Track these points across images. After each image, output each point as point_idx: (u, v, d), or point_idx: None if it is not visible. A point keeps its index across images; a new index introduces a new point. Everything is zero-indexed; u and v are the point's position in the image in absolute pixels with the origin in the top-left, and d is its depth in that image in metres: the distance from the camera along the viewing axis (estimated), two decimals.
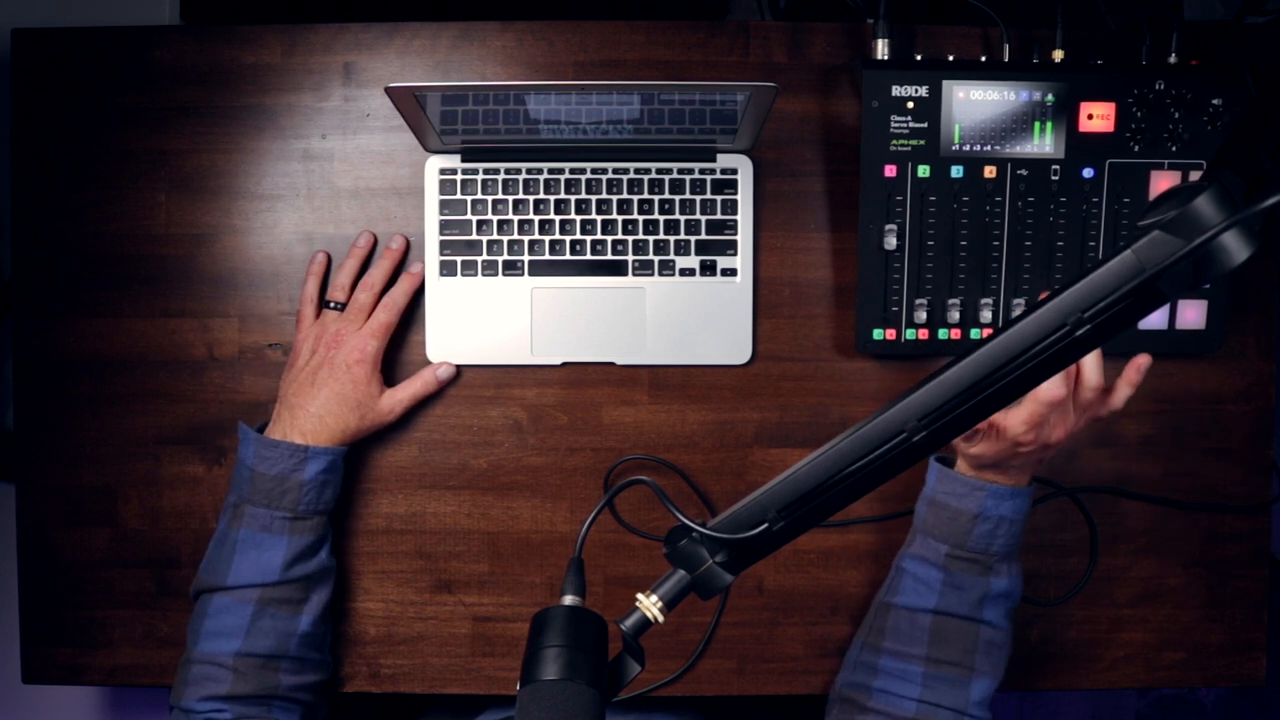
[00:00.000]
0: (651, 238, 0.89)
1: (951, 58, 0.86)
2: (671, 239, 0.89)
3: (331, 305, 0.88)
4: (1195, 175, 0.87)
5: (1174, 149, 0.86)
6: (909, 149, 0.85)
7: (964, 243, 0.87)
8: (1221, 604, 0.93)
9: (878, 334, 0.88)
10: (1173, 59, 0.86)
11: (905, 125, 0.85)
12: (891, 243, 0.86)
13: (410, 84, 0.73)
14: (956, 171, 0.86)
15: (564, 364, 0.91)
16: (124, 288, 0.91)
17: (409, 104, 0.77)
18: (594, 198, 0.89)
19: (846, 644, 0.87)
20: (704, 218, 0.89)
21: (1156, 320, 0.88)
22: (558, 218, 0.89)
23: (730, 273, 0.90)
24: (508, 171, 0.89)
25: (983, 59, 0.87)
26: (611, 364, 0.91)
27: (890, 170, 0.86)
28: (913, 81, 0.84)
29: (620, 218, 0.89)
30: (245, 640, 0.80)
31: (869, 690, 0.80)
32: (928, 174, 0.86)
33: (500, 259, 0.89)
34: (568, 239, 0.89)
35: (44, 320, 0.91)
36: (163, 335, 0.91)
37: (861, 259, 0.87)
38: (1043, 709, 1.79)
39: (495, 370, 0.91)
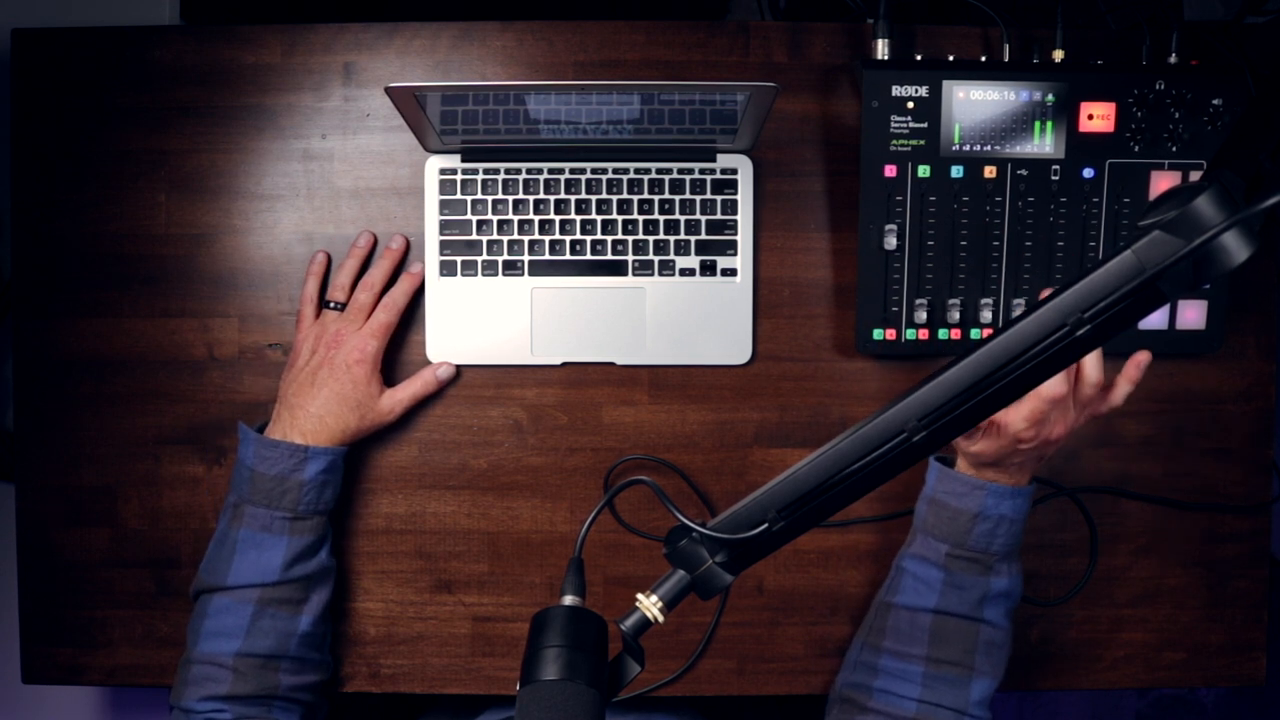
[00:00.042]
0: (651, 238, 0.89)
1: (951, 58, 0.86)
2: (671, 239, 0.89)
3: (331, 305, 0.88)
4: (1195, 175, 0.87)
5: (1174, 149, 0.86)
6: (909, 149, 0.85)
7: (964, 243, 0.87)
8: (1221, 604, 0.93)
9: (878, 334, 0.88)
10: (1173, 59, 0.86)
11: (905, 125, 0.85)
12: (891, 243, 0.86)
13: (410, 84, 0.73)
14: (956, 171, 0.86)
15: (564, 364, 0.91)
16: (124, 288, 0.91)
17: (409, 104, 0.77)
18: (594, 198, 0.89)
19: (846, 644, 0.87)
20: (704, 218, 0.89)
21: (1156, 320, 0.88)
22: (558, 218, 0.89)
23: (730, 273, 0.90)
24: (508, 171, 0.89)
25: (983, 59, 0.87)
26: (611, 364, 0.91)
27: (890, 170, 0.86)
28: (913, 81, 0.84)
29: (620, 218, 0.89)
30: (245, 640, 0.80)
31: (869, 690, 0.80)
32: (928, 174, 0.86)
33: (500, 259, 0.89)
34: (568, 239, 0.89)
35: (44, 320, 0.91)
36: (163, 335, 0.91)
37: (861, 259, 0.87)
38: (1043, 709, 1.79)
39: (495, 370, 0.91)
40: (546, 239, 0.89)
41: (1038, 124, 0.85)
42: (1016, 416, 0.72)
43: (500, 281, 0.89)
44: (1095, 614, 0.93)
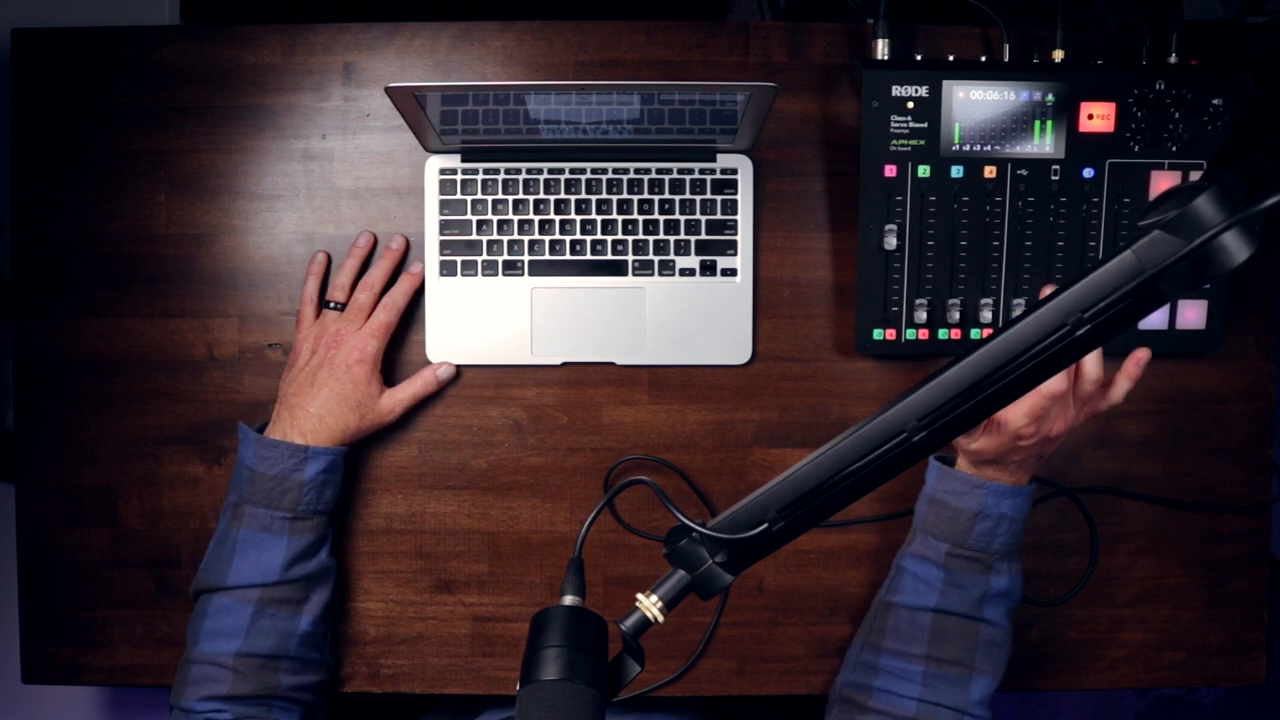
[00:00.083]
0: (651, 238, 0.89)
1: (951, 58, 0.86)
2: (671, 239, 0.89)
3: (331, 305, 0.88)
4: (1195, 175, 0.87)
5: (1174, 149, 0.86)
6: (909, 149, 0.85)
7: (964, 243, 0.87)
8: (1221, 604, 0.93)
9: (878, 334, 0.88)
10: (1173, 59, 0.86)
11: (905, 125, 0.85)
12: (891, 243, 0.86)
13: (410, 84, 0.73)
14: (956, 171, 0.86)
15: (564, 364, 0.91)
16: (124, 288, 0.91)
17: (409, 104, 0.77)
18: (594, 198, 0.89)
19: (846, 644, 0.87)
20: (704, 218, 0.89)
21: (1156, 320, 0.88)
22: (558, 218, 0.89)
23: (730, 273, 0.90)
24: (508, 171, 0.89)
25: (983, 59, 0.87)
26: (611, 364, 0.91)
27: (890, 170, 0.86)
28: (913, 81, 0.84)
29: (620, 218, 0.89)
30: (245, 640, 0.80)
31: (869, 690, 0.80)
32: (928, 174, 0.86)
33: (500, 259, 0.89)
34: (568, 239, 0.89)
35: (44, 320, 0.91)
36: (163, 335, 0.91)
37: (861, 259, 0.87)
38: (1043, 709, 1.79)
39: (495, 370, 0.91)
40: (546, 239, 0.89)
41: (1038, 124, 0.85)
42: (1017, 413, 0.73)
43: (500, 281, 0.89)
44: (1095, 614, 0.93)
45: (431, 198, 0.89)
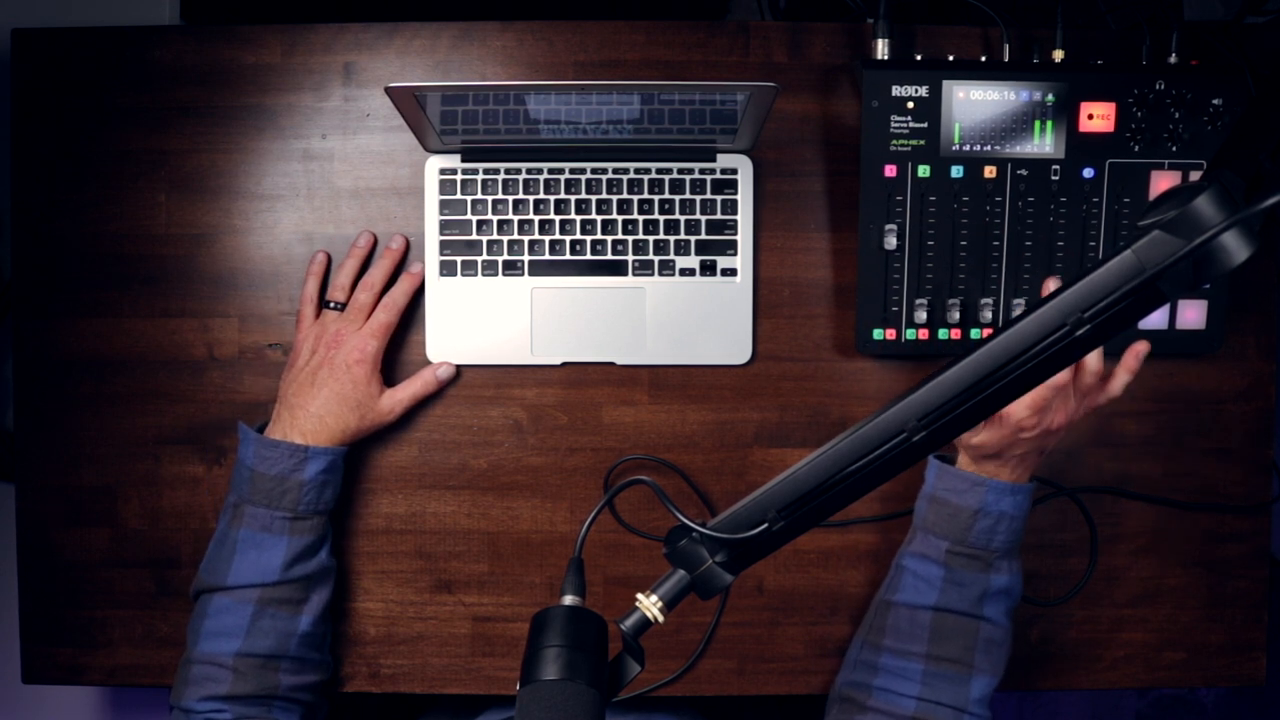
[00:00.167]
0: (651, 238, 0.89)
1: (951, 58, 0.86)
2: (671, 239, 0.89)
3: (331, 305, 0.88)
4: (1195, 175, 0.87)
5: (1174, 149, 0.86)
6: (909, 149, 0.85)
7: (964, 243, 0.87)
8: (1221, 604, 0.93)
9: (878, 334, 0.88)
10: (1173, 59, 0.86)
11: (905, 125, 0.85)
12: (891, 243, 0.86)
13: (410, 84, 0.73)
14: (956, 171, 0.86)
15: (564, 364, 0.91)
16: (124, 288, 0.91)
17: (409, 104, 0.77)
18: (594, 198, 0.89)
19: (846, 644, 0.87)
20: (704, 218, 0.89)
21: (1156, 320, 0.88)
22: (558, 218, 0.89)
23: (730, 273, 0.90)
24: (508, 171, 0.89)
25: (983, 59, 0.87)
26: (611, 364, 0.91)
27: (890, 170, 0.86)
28: (913, 81, 0.84)
29: (620, 218, 0.89)
30: (245, 640, 0.80)
31: (869, 689, 0.80)
32: (928, 174, 0.86)
33: (500, 259, 0.89)
34: (568, 239, 0.89)
35: (44, 320, 0.91)
36: (163, 335, 0.91)
37: (861, 259, 0.87)
38: (1043, 709, 1.79)
39: (495, 370, 0.91)
40: (546, 239, 0.89)
41: (1038, 124, 0.85)
42: (1019, 405, 0.73)
43: (500, 281, 0.89)
44: (1095, 614, 0.93)
45: (431, 198, 0.89)
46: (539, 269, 0.89)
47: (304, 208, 0.91)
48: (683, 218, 0.89)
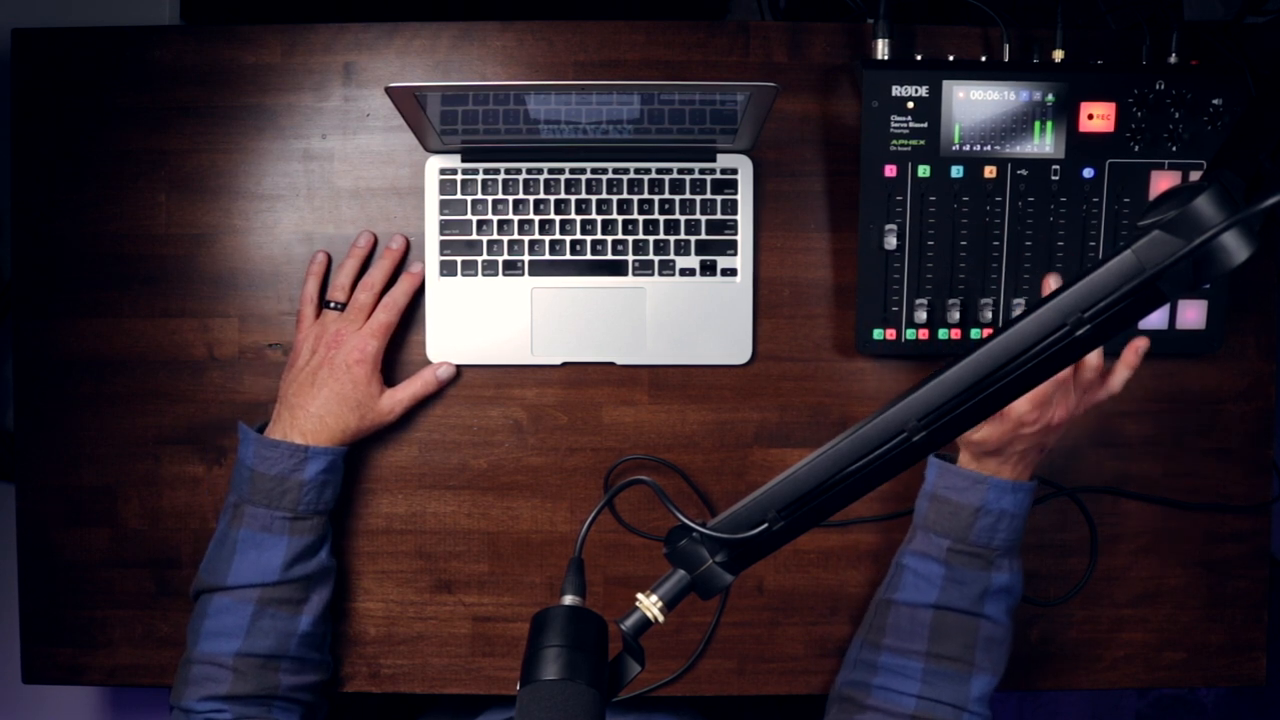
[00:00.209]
0: (651, 238, 0.89)
1: (951, 58, 0.86)
2: (671, 239, 0.89)
3: (331, 305, 0.88)
4: (1195, 175, 0.87)
5: (1174, 149, 0.86)
6: (909, 149, 0.85)
7: (964, 243, 0.87)
8: (1221, 604, 0.93)
9: (878, 334, 0.88)
10: (1173, 59, 0.86)
11: (905, 125, 0.85)
12: (891, 243, 0.86)
13: (410, 84, 0.73)
14: (956, 171, 0.86)
15: (564, 364, 0.91)
16: (124, 288, 0.91)
17: (409, 104, 0.77)
18: (594, 198, 0.89)
19: (846, 644, 0.87)
20: (704, 218, 0.89)
21: (1156, 320, 0.88)
22: (558, 218, 0.89)
23: (730, 273, 0.90)
24: (508, 171, 0.89)
25: (983, 59, 0.87)
26: (611, 364, 0.91)
27: (890, 170, 0.86)
28: (913, 81, 0.84)
29: (620, 218, 0.89)
30: (245, 640, 0.80)
31: (868, 688, 0.80)
32: (928, 174, 0.86)
33: (500, 259, 0.89)
34: (568, 239, 0.89)
35: (44, 320, 0.91)
36: (163, 335, 0.91)
37: (861, 259, 0.87)
38: (1043, 709, 1.79)
39: (495, 370, 0.91)
40: (546, 239, 0.89)
41: (1038, 124, 0.85)
42: (1020, 399, 0.73)
43: (500, 281, 0.89)
44: (1095, 614, 0.93)
45: (431, 198, 0.89)
46: (539, 269, 0.89)
47: (304, 208, 0.91)
48: (683, 218, 0.89)
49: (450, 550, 0.92)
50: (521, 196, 0.89)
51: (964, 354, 0.55)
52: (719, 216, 0.89)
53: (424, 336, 0.90)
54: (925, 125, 0.85)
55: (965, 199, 0.86)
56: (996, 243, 0.87)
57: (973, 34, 0.91)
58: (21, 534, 0.92)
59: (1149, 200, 0.86)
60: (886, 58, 0.87)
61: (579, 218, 0.89)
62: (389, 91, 0.73)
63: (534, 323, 0.90)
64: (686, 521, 0.56)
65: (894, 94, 0.85)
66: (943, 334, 0.88)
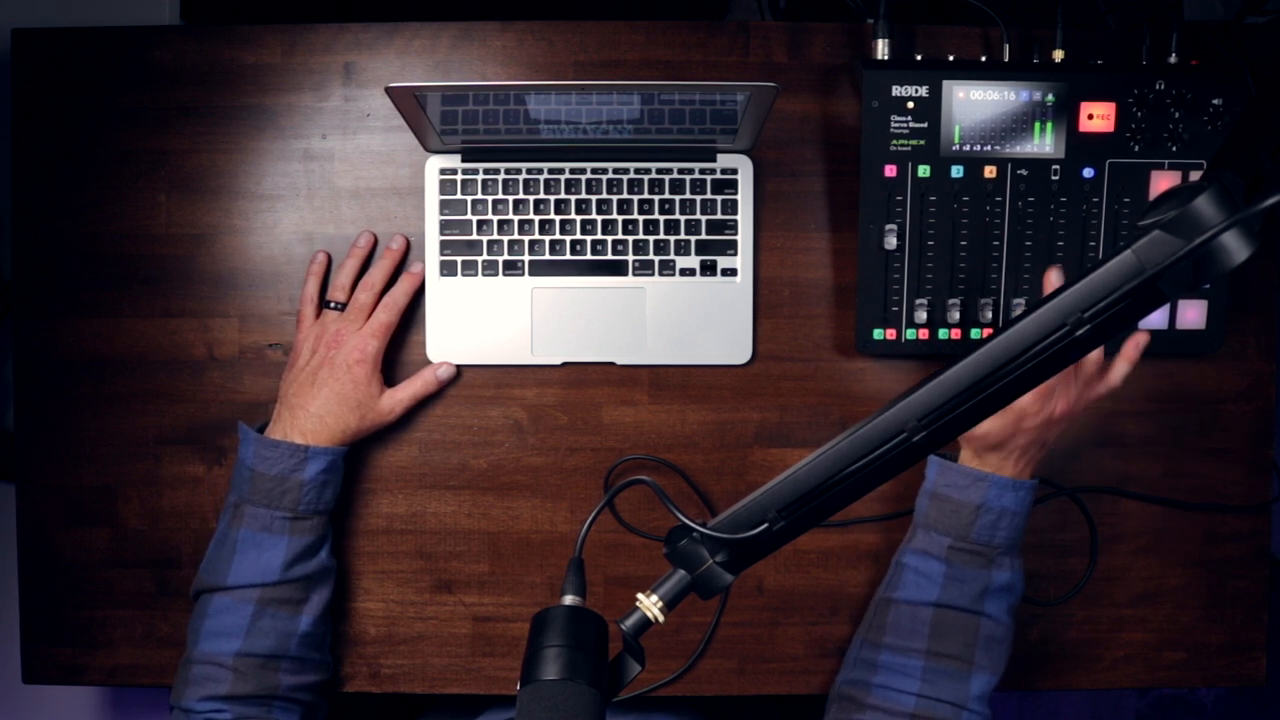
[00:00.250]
0: (651, 238, 0.89)
1: (951, 58, 0.86)
2: (671, 239, 0.89)
3: (332, 305, 0.88)
4: (1195, 175, 0.87)
5: (1174, 149, 0.86)
6: (909, 149, 0.85)
7: (964, 243, 0.87)
8: (1221, 604, 0.93)
9: (878, 334, 0.88)
10: (1173, 59, 0.86)
11: (905, 125, 0.85)
12: (891, 243, 0.86)
13: (410, 84, 0.73)
14: (957, 171, 0.86)
15: (564, 364, 0.91)
16: (124, 288, 0.91)
17: (409, 104, 0.77)
18: (594, 198, 0.89)
19: (847, 644, 0.87)
20: (704, 218, 0.89)
21: (1156, 320, 0.88)
22: (558, 218, 0.89)
23: (730, 273, 0.90)
24: (508, 171, 0.89)
25: (983, 59, 0.87)
26: (611, 364, 0.91)
27: (890, 170, 0.86)
28: (913, 81, 0.84)
29: (620, 218, 0.89)
30: (245, 640, 0.80)
31: (868, 686, 0.80)
32: (928, 174, 0.86)
33: (500, 259, 0.89)
34: (568, 239, 0.89)
35: (44, 320, 0.91)
36: (163, 335, 0.91)
37: (861, 259, 0.87)
38: (1043, 709, 1.79)
39: (495, 370, 0.91)
40: (546, 239, 0.89)
41: (1038, 124, 0.85)
42: None
43: (500, 281, 0.89)
44: (1095, 614, 0.93)
45: (431, 198, 0.89)
46: (539, 269, 0.89)
47: (304, 208, 0.91)
48: (683, 218, 0.89)
49: (450, 550, 0.92)
50: (521, 196, 0.89)
51: (964, 354, 0.55)
52: (719, 216, 0.89)
53: (424, 336, 0.90)
54: (925, 125, 0.85)
55: (965, 199, 0.86)
56: (996, 243, 0.87)
57: (973, 34, 0.91)
58: (21, 534, 0.92)
59: (1149, 200, 0.86)
60: (886, 58, 0.87)
61: (579, 218, 0.89)
62: (389, 91, 0.73)
63: (534, 323, 0.90)
64: (687, 521, 0.56)
65: (894, 94, 0.85)
66: (943, 334, 0.88)
